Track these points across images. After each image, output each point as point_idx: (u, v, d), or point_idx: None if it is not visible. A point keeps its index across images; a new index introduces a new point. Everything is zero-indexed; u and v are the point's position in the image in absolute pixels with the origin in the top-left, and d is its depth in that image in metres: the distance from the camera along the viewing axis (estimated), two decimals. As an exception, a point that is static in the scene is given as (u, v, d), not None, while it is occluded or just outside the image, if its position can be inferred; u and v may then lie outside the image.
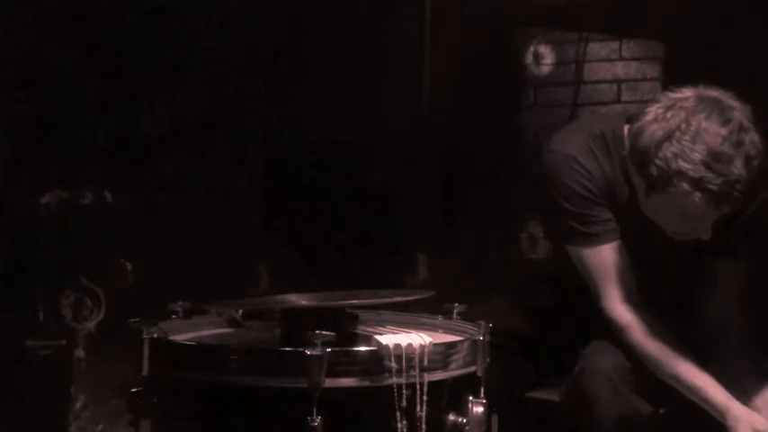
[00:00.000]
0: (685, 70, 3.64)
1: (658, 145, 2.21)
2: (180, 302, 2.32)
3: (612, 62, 4.28)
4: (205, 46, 3.61)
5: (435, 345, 2.03)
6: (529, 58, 4.44)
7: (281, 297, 2.33)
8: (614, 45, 4.28)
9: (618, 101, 4.26)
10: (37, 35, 3.23)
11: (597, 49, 4.29)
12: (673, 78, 2.65)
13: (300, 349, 1.92)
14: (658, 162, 2.21)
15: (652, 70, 4.19)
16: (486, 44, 4.29)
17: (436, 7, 4.25)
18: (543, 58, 4.41)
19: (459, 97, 4.19)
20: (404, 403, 1.98)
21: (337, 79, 3.90)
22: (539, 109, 4.43)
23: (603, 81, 4.29)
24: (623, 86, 4.25)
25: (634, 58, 4.24)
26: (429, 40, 4.24)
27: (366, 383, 1.97)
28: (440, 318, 2.35)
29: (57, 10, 3.26)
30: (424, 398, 1.99)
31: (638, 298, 2.45)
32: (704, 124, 2.20)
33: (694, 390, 2.38)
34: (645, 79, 4.20)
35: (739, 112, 2.23)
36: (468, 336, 2.16)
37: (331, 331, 1.93)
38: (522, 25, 4.42)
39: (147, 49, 3.45)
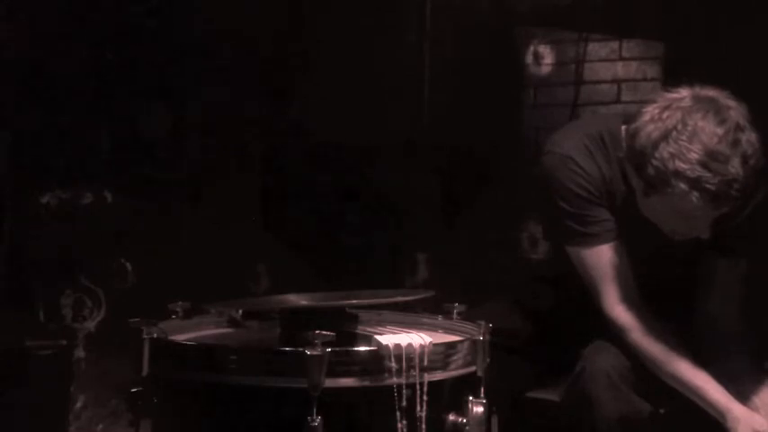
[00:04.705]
0: (685, 70, 3.64)
1: (655, 145, 2.22)
2: (180, 302, 2.32)
3: (612, 62, 4.29)
4: (205, 46, 3.61)
5: (435, 345, 2.03)
6: (529, 58, 4.44)
7: (281, 297, 2.33)
8: (614, 45, 4.28)
9: (618, 101, 4.26)
10: (37, 35, 3.23)
11: (597, 49, 4.29)
12: (673, 78, 2.65)
13: (300, 349, 1.92)
14: (655, 162, 2.21)
15: (652, 70, 4.19)
16: (486, 44, 4.29)
17: (437, 7, 4.26)
18: (543, 58, 4.42)
19: (459, 97, 4.19)
20: (404, 403, 1.98)
21: (337, 79, 3.90)
22: (539, 109, 4.43)
23: (603, 81, 4.29)
24: (623, 86, 4.25)
25: (634, 58, 4.24)
26: (429, 40, 4.25)
27: (366, 383, 1.97)
28: (440, 318, 2.35)
29: (57, 10, 3.26)
30: (424, 398, 2.00)
31: (638, 298, 2.45)
32: (700, 124, 2.20)
33: (694, 390, 2.38)
34: (645, 79, 4.20)
35: (735, 111, 2.23)
36: (468, 336, 2.16)
37: (331, 331, 1.94)
38: (522, 25, 4.43)
39: (148, 49, 3.45)
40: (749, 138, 2.21)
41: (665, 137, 2.21)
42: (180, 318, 2.31)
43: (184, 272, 3.27)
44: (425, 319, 2.38)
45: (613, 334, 2.46)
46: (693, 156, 2.18)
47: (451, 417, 2.07)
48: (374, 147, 4.00)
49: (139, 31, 3.44)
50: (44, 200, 3.25)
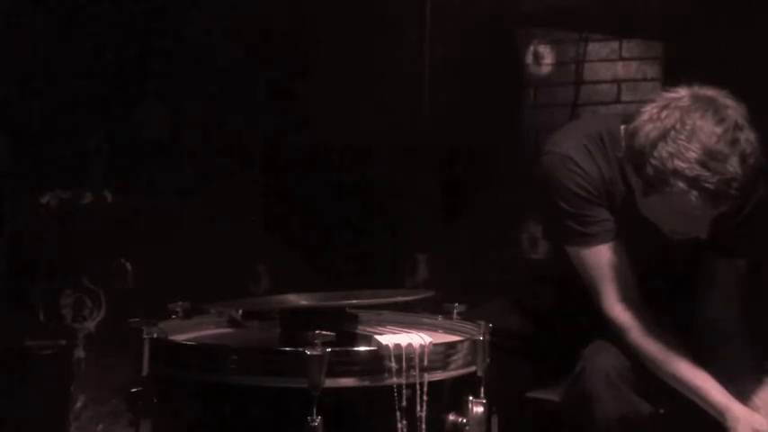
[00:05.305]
0: (685, 70, 3.63)
1: (654, 145, 2.22)
2: (180, 302, 2.32)
3: (612, 62, 4.28)
4: (206, 46, 3.61)
5: (435, 345, 2.04)
6: (529, 58, 4.44)
7: (281, 297, 2.33)
8: (614, 45, 4.28)
9: (618, 101, 4.26)
10: (37, 35, 3.23)
11: (597, 49, 4.29)
12: (673, 78, 2.65)
13: (300, 349, 1.92)
14: (654, 162, 2.21)
15: (652, 70, 4.19)
16: (486, 44, 4.29)
17: (437, 7, 4.25)
18: (543, 58, 4.41)
19: (459, 97, 4.19)
20: (404, 403, 1.98)
21: (338, 79, 3.90)
22: (539, 109, 4.43)
23: (603, 81, 4.29)
24: (623, 86, 4.25)
25: (634, 58, 4.24)
26: (429, 40, 4.24)
27: (366, 383, 1.98)
28: (440, 318, 2.35)
29: (57, 10, 3.26)
30: (424, 398, 2.00)
31: (638, 298, 2.45)
32: (699, 123, 2.20)
33: (694, 390, 2.38)
34: (645, 79, 4.20)
35: (734, 110, 2.23)
36: (468, 336, 2.16)
37: (331, 331, 1.94)
38: (522, 25, 4.43)
39: (148, 50, 3.45)
40: (748, 137, 2.22)
41: (664, 136, 2.21)
42: (180, 318, 2.31)
43: (184, 272, 3.27)
44: (425, 319, 2.38)
45: (613, 334, 2.46)
46: (692, 155, 2.18)
47: (451, 417, 2.07)
48: (374, 147, 4.00)
49: (139, 31, 3.44)
50: (44, 200, 3.25)
